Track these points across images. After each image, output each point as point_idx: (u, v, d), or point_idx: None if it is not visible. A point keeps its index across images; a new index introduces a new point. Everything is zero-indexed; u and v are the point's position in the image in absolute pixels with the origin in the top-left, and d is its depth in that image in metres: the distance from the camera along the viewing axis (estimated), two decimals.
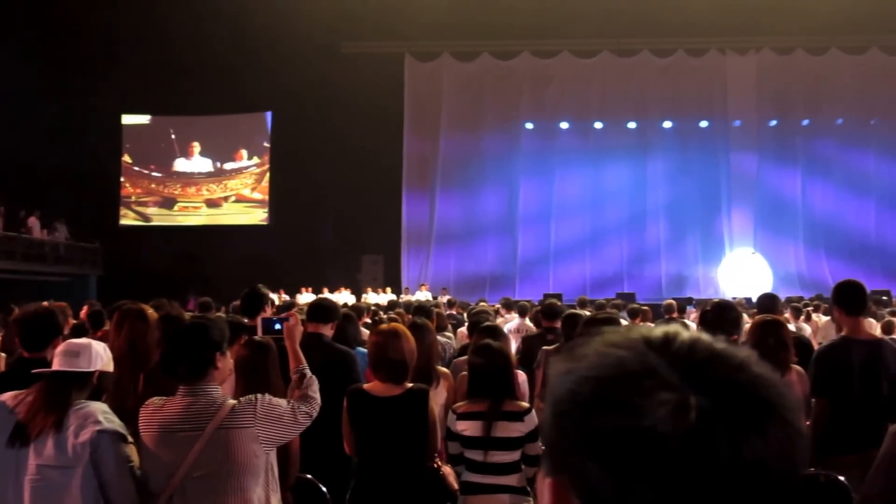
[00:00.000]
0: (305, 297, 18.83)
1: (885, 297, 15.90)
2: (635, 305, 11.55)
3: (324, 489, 3.77)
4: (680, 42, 22.93)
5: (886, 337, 8.67)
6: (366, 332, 6.80)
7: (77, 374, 2.78)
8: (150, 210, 25.12)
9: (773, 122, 23.83)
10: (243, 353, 3.53)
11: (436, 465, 3.69)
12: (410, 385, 3.56)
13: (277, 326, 3.47)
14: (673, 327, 0.73)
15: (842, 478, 3.83)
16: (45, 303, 7.64)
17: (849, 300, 4.48)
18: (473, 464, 3.59)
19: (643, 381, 0.66)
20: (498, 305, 12.65)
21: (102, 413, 2.71)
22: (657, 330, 0.73)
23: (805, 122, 23.84)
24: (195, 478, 2.67)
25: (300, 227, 22.86)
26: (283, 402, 2.90)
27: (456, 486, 3.69)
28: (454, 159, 23.71)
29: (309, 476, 3.80)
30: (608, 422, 0.65)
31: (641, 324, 10.05)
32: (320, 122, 21.63)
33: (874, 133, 23.67)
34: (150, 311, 3.94)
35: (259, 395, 2.83)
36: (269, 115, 24.66)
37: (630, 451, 0.64)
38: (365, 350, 5.29)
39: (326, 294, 19.95)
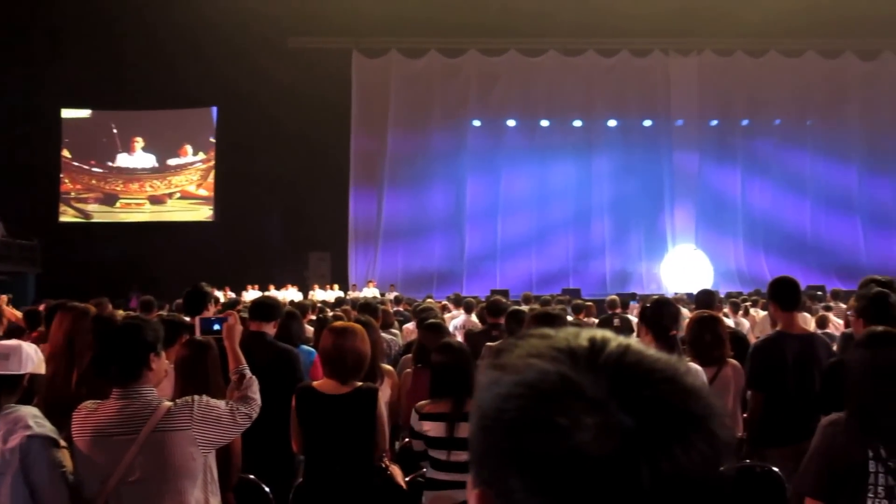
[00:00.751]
0: (251, 295, 18.63)
1: (819, 293, 16.40)
2: (580, 301, 11.72)
3: (266, 489, 3.73)
4: (624, 43, 23.23)
5: (820, 331, 8.96)
6: (310, 329, 6.76)
7: (6, 377, 2.69)
8: (91, 207, 24.47)
9: (714, 122, 24.31)
10: (183, 352, 3.47)
11: (384, 465, 3.70)
12: (360, 384, 3.56)
13: (216, 326, 3.39)
14: (601, 334, 0.72)
15: (776, 469, 3.94)
16: (4, 297, 7.43)
17: (783, 296, 4.60)
18: (437, 462, 3.60)
19: (568, 399, 0.65)
20: (445, 301, 12.71)
21: (33, 417, 2.63)
22: (584, 337, 0.71)
23: (745, 123, 24.39)
24: (130, 482, 2.60)
25: (246, 223, 22.57)
26: (221, 403, 2.85)
27: (404, 484, 3.70)
28: (402, 156, 23.65)
29: (252, 476, 3.77)
30: (533, 442, 0.65)
31: (585, 318, 10.20)
32: (267, 118, 21.38)
33: (810, 134, 24.36)
34: (94, 310, 3.88)
35: (196, 397, 2.78)
36: (214, 110, 24.24)
37: (555, 472, 0.64)
38: (308, 348, 5.27)
39: (273, 291, 19.82)
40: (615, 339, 0.71)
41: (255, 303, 4.77)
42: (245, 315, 4.66)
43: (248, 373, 3.10)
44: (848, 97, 23.91)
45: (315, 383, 3.62)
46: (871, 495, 2.61)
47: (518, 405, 0.67)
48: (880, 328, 2.86)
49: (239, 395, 2.98)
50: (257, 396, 3.02)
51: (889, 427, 2.61)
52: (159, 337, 2.77)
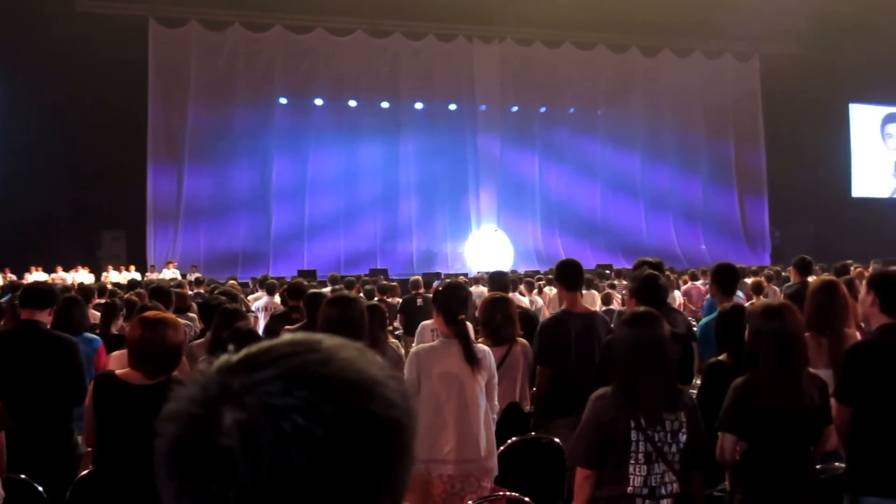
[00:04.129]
0: (36, 277, 17.30)
1: (608, 271, 17.64)
2: (385, 282, 11.90)
3: (40, 488, 3.48)
4: (430, 27, 23.58)
5: (605, 307, 9.68)
6: (96, 314, 6.35)
7: None
8: None
9: (515, 109, 25.33)
10: None
11: None
12: (170, 374, 3.39)
13: None
14: (284, 340, 0.76)
15: (557, 439, 4.22)
16: None
17: (567, 278, 4.92)
18: None
19: (193, 399, 0.71)
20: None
21: None
22: (252, 348, 0.75)
23: (542, 110, 25.64)
24: None
25: (30, 199, 20.52)
26: None
27: None
28: (204, 131, 22.59)
29: (23, 476, 3.49)
30: (163, 431, 0.72)
31: (389, 299, 10.35)
32: (53, 86, 19.54)
33: (600, 122, 26.04)
34: None
35: None
36: None
37: (179, 461, 0.70)
38: (92, 335, 4.95)
39: (61, 273, 18.45)
40: (278, 345, 0.74)
41: (26, 289, 4.37)
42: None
43: None
44: (632, 90, 25.81)
45: (119, 372, 3.40)
46: (632, 461, 2.87)
47: (167, 431, 0.72)
48: (642, 308, 3.13)
49: None
50: None
51: (648, 399, 2.88)
52: None
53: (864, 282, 3.56)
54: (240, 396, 0.69)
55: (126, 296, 7.91)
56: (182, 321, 6.13)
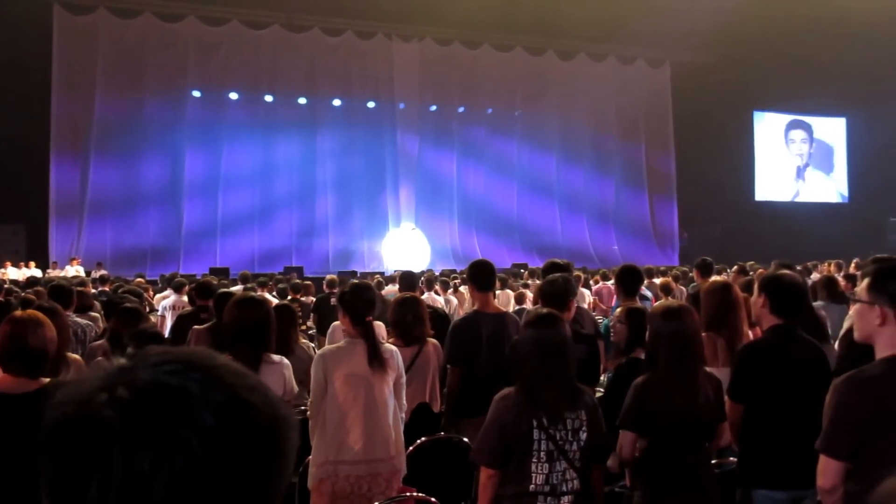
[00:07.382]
0: None
1: (523, 270, 17.87)
2: (297, 281, 11.76)
3: None
4: (349, 23, 23.38)
5: (518, 306, 9.80)
6: None
7: None
8: None
9: (433, 108, 25.41)
10: None
11: None
12: (48, 380, 3.23)
13: None
14: (180, 351, 0.75)
15: (466, 439, 4.25)
16: None
17: (478, 278, 4.97)
18: None
19: (82, 394, 0.71)
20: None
21: None
22: (141, 350, 0.75)
23: (461, 110, 25.79)
24: None
25: None
26: None
27: None
28: (112, 123, 21.75)
29: None
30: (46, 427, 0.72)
31: (303, 298, 10.24)
32: None
33: (517, 123, 26.41)
34: None
35: None
36: None
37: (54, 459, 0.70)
38: None
39: None
40: (164, 346, 0.76)
41: None
42: None
43: None
44: (548, 92, 26.25)
45: None
46: (534, 460, 2.92)
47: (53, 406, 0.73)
48: (545, 310, 3.18)
49: None
50: None
51: (550, 399, 2.94)
52: None
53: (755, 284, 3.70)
54: (132, 378, 0.70)
55: (23, 294, 7.59)
56: (83, 321, 5.96)
